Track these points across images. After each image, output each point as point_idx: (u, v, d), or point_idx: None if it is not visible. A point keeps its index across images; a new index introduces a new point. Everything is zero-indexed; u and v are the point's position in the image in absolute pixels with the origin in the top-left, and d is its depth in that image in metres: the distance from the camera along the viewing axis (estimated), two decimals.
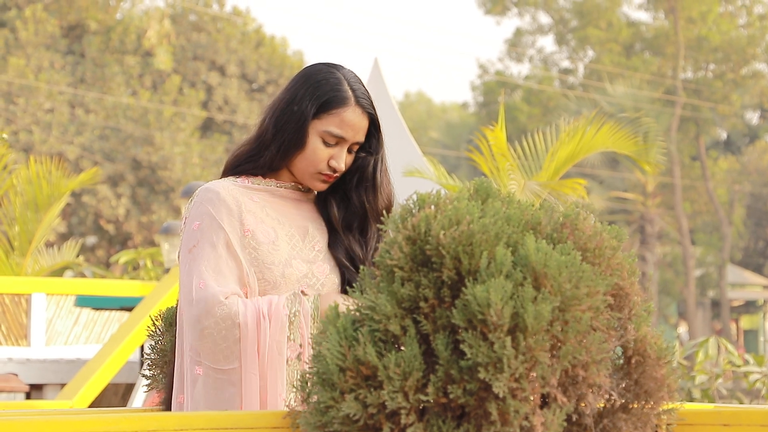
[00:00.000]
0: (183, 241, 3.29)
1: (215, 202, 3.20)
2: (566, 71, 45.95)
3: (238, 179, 3.37)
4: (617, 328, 2.68)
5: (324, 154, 3.25)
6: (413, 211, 2.67)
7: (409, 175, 12.34)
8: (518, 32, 45.77)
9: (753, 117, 47.17)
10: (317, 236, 3.33)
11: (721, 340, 12.98)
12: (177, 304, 3.27)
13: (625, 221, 37.60)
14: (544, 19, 45.28)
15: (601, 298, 2.60)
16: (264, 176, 3.33)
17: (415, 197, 2.71)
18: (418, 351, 2.55)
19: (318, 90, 3.31)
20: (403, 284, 2.60)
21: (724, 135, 46.54)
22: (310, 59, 54.70)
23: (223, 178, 3.40)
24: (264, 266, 3.23)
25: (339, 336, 2.59)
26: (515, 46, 45.50)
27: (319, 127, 3.29)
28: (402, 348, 2.57)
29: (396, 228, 2.66)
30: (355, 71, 3.41)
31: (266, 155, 3.35)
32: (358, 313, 2.62)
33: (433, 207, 2.66)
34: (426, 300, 2.57)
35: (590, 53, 44.73)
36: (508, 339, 2.49)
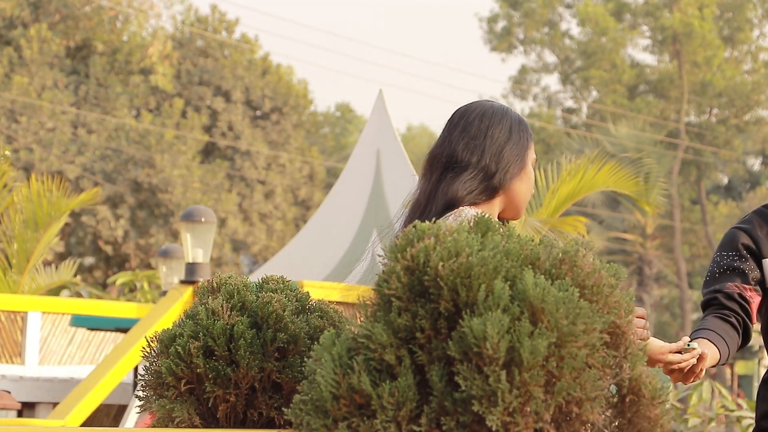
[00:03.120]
0: None
1: None
2: (569, 110, 46.23)
3: (474, 209, 3.55)
4: (612, 366, 2.69)
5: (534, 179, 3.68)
6: (413, 241, 2.69)
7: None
8: (523, 70, 46.19)
9: (755, 163, 47.36)
10: None
11: (715, 384, 13.13)
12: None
13: (624, 262, 37.80)
14: (550, 57, 45.68)
15: (597, 335, 2.61)
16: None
17: (414, 228, 2.73)
18: (413, 381, 2.57)
19: (522, 123, 3.73)
20: (399, 314, 2.62)
21: (725, 180, 46.74)
22: (315, 88, 55.10)
23: (462, 208, 3.55)
24: None
25: (334, 363, 2.60)
26: (519, 83, 45.82)
27: (531, 154, 3.70)
28: (397, 378, 2.58)
29: (395, 258, 2.67)
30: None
31: (493, 181, 3.62)
32: (354, 341, 2.63)
33: (432, 238, 2.67)
34: (422, 331, 2.59)
35: (594, 93, 45.06)
36: (504, 373, 2.50)
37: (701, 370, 3.75)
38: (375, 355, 2.60)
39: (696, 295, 41.52)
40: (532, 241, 2.81)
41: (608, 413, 2.71)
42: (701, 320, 3.99)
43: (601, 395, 2.63)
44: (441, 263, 2.62)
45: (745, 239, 4.00)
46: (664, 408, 2.71)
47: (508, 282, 2.63)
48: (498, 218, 3.66)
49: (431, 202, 3.57)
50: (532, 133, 3.74)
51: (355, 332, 2.66)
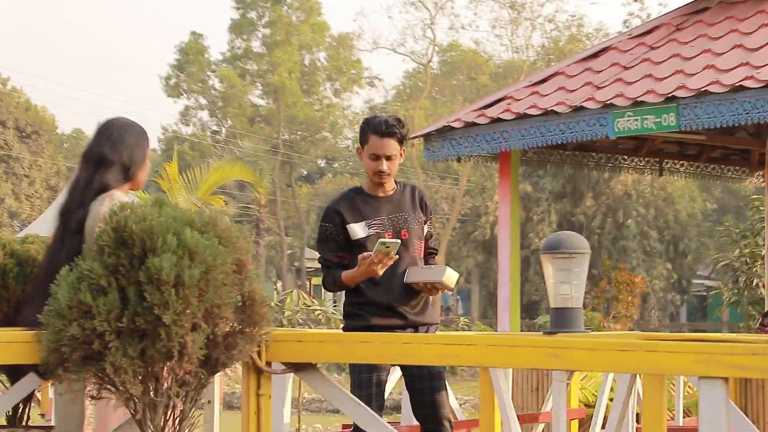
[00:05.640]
0: None
1: None
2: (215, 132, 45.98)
3: (118, 191, 4.05)
4: (238, 284, 3.37)
5: None
6: (116, 212, 3.36)
7: None
8: None
9: None
10: None
11: (300, 292, 15.65)
12: None
13: (247, 221, 39.56)
14: None
15: (229, 266, 3.29)
16: None
17: (118, 203, 3.40)
18: (117, 297, 3.22)
19: (144, 132, 4.25)
20: (109, 256, 3.26)
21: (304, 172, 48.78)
22: None
23: (112, 191, 4.01)
24: None
25: (69, 287, 3.24)
26: None
27: (148, 153, 4.18)
28: (107, 294, 3.22)
29: (106, 222, 3.31)
30: None
31: (129, 173, 4.13)
32: (81, 273, 3.27)
33: (129, 210, 3.34)
34: (123, 266, 3.25)
35: None
36: (173, 290, 3.17)
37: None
38: (94, 281, 3.22)
39: (290, 240, 44.10)
40: (191, 211, 3.46)
41: (236, 312, 3.38)
42: (335, 273, 4.87)
43: (231, 302, 3.30)
44: (134, 225, 3.26)
45: (336, 214, 4.88)
46: (269, 307, 3.42)
47: (176, 236, 3.26)
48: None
49: (89, 186, 4.03)
50: (149, 138, 4.25)
51: (83, 267, 3.28)
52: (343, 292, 4.95)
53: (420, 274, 4.79)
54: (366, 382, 4.77)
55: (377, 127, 4.86)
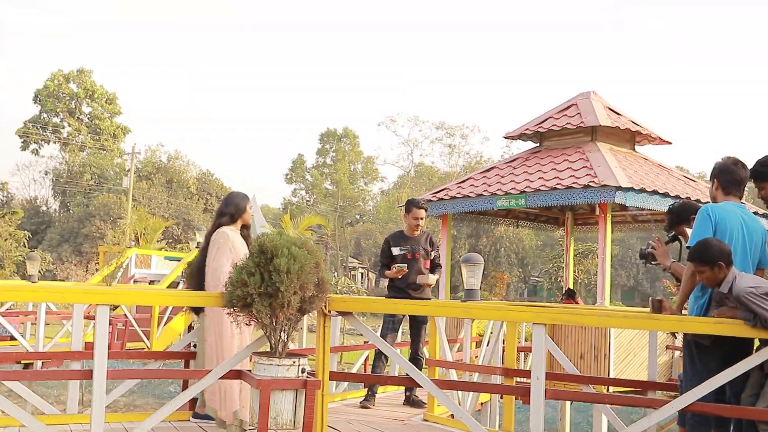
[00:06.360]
0: None
1: None
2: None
3: (227, 227, 4.06)
4: (316, 273, 3.48)
5: None
6: (260, 237, 3.52)
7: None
8: None
9: None
10: None
11: (344, 278, 15.73)
12: None
13: (321, 244, 39.38)
14: None
15: (312, 265, 3.44)
16: None
17: (263, 235, 3.54)
18: (259, 277, 3.29)
19: (245, 196, 4.16)
20: (255, 257, 3.39)
21: None
22: None
23: (222, 227, 3.96)
24: None
25: (237, 272, 3.40)
26: None
27: (246, 207, 4.15)
28: (254, 276, 3.31)
29: (256, 241, 3.45)
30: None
31: (235, 217, 4.05)
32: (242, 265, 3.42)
33: (266, 236, 3.48)
34: (262, 262, 3.35)
35: None
36: (286, 274, 3.34)
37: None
38: (248, 269, 3.37)
39: (341, 253, 42.77)
40: (295, 237, 3.55)
41: (315, 287, 3.45)
42: (384, 270, 5.28)
43: (312, 281, 3.40)
44: (267, 243, 3.43)
45: (388, 241, 5.36)
46: (330, 284, 3.51)
47: (288, 249, 3.39)
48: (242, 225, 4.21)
49: (214, 225, 4.10)
50: (248, 198, 4.20)
51: (243, 263, 3.39)
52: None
53: (421, 278, 5.26)
54: (388, 321, 5.23)
55: (417, 204, 5.31)
